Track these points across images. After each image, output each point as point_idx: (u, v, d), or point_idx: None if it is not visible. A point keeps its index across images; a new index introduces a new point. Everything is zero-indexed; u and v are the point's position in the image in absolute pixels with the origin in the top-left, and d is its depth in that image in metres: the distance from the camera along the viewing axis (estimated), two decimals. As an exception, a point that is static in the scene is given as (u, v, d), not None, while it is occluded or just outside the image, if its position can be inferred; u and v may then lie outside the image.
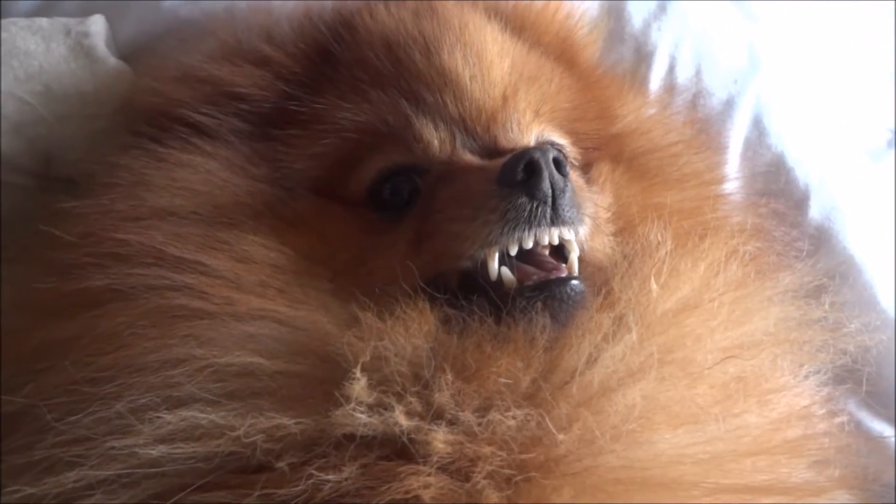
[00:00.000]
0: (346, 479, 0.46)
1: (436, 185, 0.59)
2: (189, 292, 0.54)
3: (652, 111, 0.76)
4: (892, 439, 0.75)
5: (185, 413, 0.48)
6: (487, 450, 0.47)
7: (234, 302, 0.54)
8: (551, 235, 0.55)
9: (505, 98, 0.63)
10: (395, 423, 0.48)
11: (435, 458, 0.47)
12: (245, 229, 0.58)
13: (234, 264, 0.55)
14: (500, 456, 0.47)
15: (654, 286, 0.55)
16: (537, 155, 0.54)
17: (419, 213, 0.59)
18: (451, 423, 0.48)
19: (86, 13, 0.74)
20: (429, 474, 0.47)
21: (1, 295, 0.61)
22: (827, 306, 0.63)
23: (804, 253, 0.77)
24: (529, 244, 0.55)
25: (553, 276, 0.54)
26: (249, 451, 0.47)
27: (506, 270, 0.54)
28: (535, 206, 0.54)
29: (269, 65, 0.65)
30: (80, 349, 0.53)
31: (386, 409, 0.48)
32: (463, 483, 0.47)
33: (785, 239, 0.72)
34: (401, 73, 0.63)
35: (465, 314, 0.53)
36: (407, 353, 0.50)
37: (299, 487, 0.46)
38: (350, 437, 0.48)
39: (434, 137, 0.61)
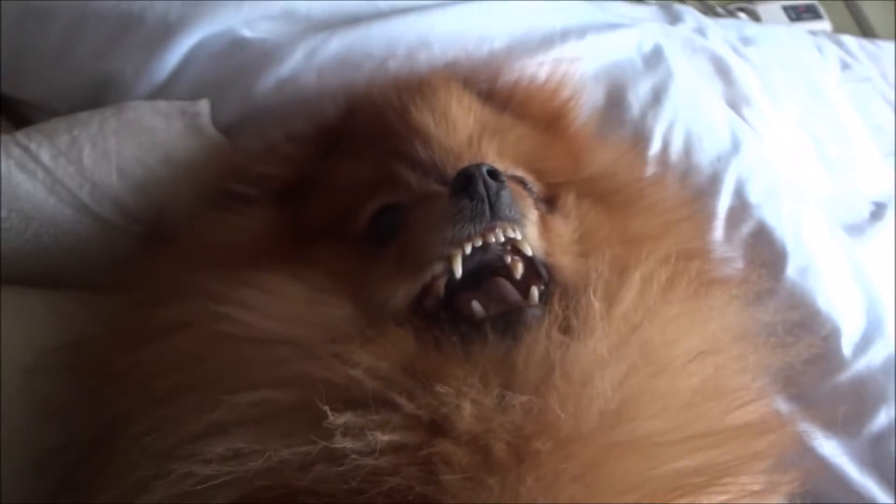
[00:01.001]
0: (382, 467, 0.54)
1: (410, 212, 0.70)
2: (228, 320, 0.64)
3: (617, 157, 0.88)
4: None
5: (227, 440, 0.56)
6: (504, 428, 0.55)
7: (261, 328, 0.63)
8: (496, 234, 0.65)
9: (470, 142, 0.75)
10: (376, 442, 0.54)
11: (461, 433, 0.55)
12: (270, 269, 0.69)
13: (261, 296, 0.66)
14: (514, 434, 0.55)
15: (592, 297, 0.64)
16: (472, 168, 0.66)
17: (400, 237, 0.69)
18: (473, 404, 0.56)
19: (193, 97, 0.92)
20: (456, 445, 0.54)
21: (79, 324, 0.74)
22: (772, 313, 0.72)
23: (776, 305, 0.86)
24: (479, 241, 0.64)
25: (514, 307, 0.64)
26: (284, 467, 0.55)
27: (476, 304, 0.64)
28: (474, 204, 0.64)
29: (290, 158, 0.81)
30: (150, 373, 0.63)
31: (367, 429, 0.55)
32: (486, 455, 0.55)
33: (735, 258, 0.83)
34: (384, 135, 0.76)
35: (440, 332, 0.61)
36: (379, 371, 0.58)
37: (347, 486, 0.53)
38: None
39: (411, 178, 0.72)
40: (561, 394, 0.58)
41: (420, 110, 0.76)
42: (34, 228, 0.82)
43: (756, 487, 0.61)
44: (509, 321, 0.62)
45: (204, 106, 0.90)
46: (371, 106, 0.82)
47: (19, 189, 0.81)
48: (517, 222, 0.66)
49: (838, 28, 1.93)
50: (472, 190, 0.64)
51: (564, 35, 1.05)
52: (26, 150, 0.83)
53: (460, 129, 0.76)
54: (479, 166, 0.66)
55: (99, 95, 0.94)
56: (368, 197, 0.74)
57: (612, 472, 0.56)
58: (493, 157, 0.75)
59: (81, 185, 0.83)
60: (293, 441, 0.55)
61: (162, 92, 0.94)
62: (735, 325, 0.71)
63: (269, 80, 0.93)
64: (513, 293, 0.65)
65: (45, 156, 0.82)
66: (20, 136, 0.84)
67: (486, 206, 0.64)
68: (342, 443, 0.54)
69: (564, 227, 0.74)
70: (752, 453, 0.62)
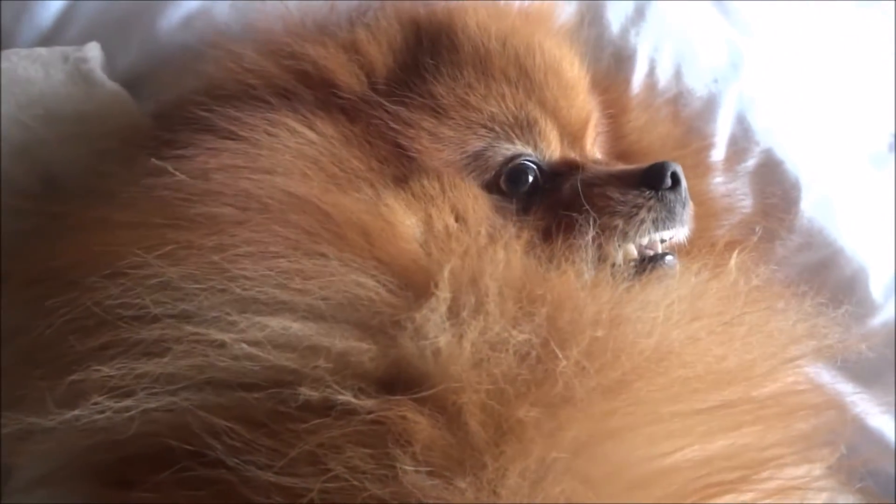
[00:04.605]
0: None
1: (561, 183, 0.68)
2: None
3: (645, 120, 0.83)
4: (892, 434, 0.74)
5: (279, 320, 0.50)
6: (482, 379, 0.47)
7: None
8: (674, 233, 0.67)
9: (588, 119, 0.73)
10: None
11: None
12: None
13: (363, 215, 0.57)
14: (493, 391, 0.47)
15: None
16: (678, 168, 0.66)
17: (548, 208, 0.66)
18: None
19: (86, 42, 0.77)
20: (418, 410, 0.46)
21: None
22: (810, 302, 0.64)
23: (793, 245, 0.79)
24: (668, 237, 0.67)
25: (661, 251, 0.66)
26: (314, 382, 0.48)
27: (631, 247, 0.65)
28: (678, 207, 0.66)
29: (368, 64, 0.69)
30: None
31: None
32: (457, 429, 0.46)
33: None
34: (526, 76, 0.70)
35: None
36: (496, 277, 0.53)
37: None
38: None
39: (554, 138, 0.70)
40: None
41: (570, 65, 0.73)
42: None
43: (803, 482, 0.52)
44: (655, 264, 0.64)
45: (92, 49, 0.76)
46: (487, 26, 0.72)
47: None
48: (686, 224, 0.68)
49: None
50: (677, 192, 0.66)
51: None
52: None
53: (583, 102, 0.74)
54: (678, 167, 0.66)
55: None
56: (500, 139, 0.68)
57: (617, 454, 0.46)
58: (593, 137, 0.76)
59: (-54, 154, 0.69)
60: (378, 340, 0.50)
61: (51, 40, 0.81)
62: (757, 282, 0.64)
63: (173, 16, 0.79)
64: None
65: None
66: None
67: (681, 208, 0.66)
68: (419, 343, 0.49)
69: None
70: (797, 436, 0.54)
